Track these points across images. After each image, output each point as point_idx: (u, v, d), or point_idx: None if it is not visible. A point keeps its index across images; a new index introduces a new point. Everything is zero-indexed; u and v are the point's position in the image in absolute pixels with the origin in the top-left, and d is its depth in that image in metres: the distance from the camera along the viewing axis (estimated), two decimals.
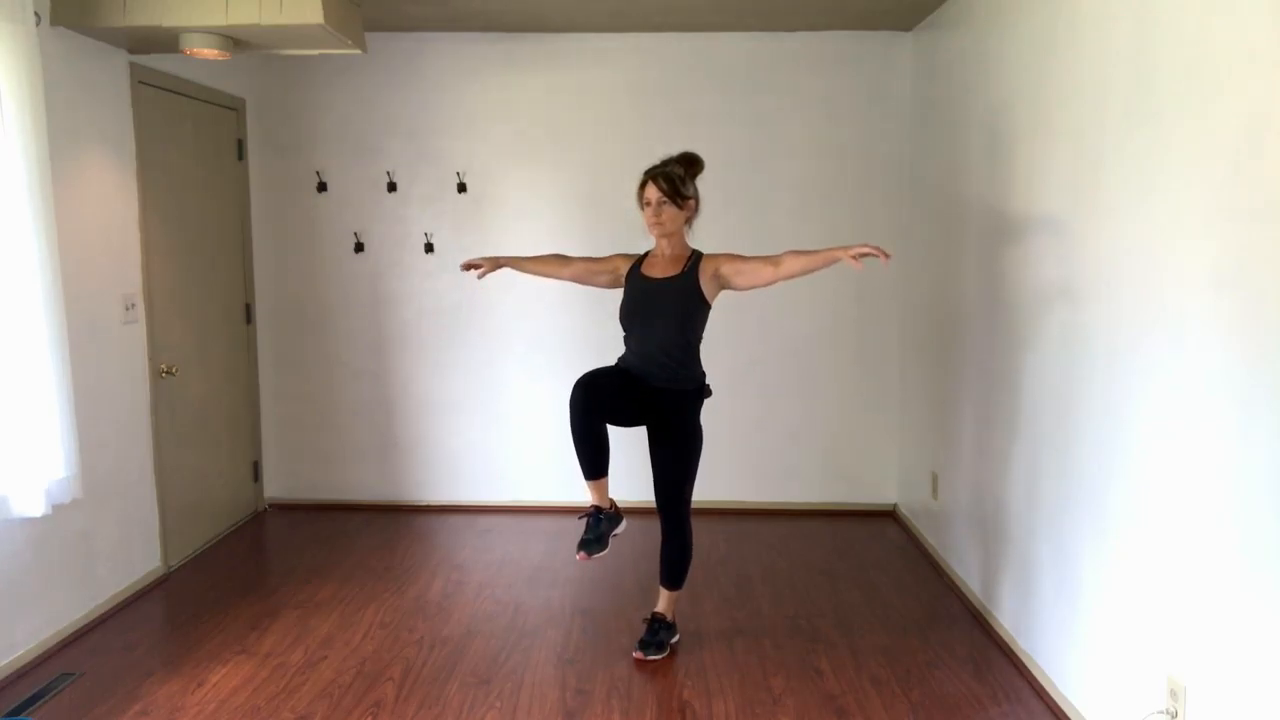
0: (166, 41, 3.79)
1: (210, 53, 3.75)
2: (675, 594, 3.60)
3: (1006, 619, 3.57)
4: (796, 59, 5.04)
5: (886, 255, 3.02)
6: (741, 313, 5.18)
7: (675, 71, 5.07)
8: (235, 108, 4.98)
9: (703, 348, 3.40)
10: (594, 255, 3.67)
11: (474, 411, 5.29)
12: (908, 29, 4.95)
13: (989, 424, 3.76)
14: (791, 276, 3.30)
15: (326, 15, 3.57)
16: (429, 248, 5.19)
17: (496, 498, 5.32)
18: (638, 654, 3.47)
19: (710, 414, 5.20)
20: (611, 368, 3.47)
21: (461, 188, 5.15)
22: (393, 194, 5.18)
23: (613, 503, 3.45)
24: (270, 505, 5.37)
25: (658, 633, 3.52)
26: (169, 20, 3.54)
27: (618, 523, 3.47)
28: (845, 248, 3.10)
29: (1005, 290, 3.59)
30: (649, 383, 3.40)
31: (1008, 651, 3.49)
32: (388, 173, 5.17)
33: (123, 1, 3.52)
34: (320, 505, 5.37)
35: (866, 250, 3.03)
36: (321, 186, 5.20)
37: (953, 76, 4.28)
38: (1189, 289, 2.35)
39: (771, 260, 3.29)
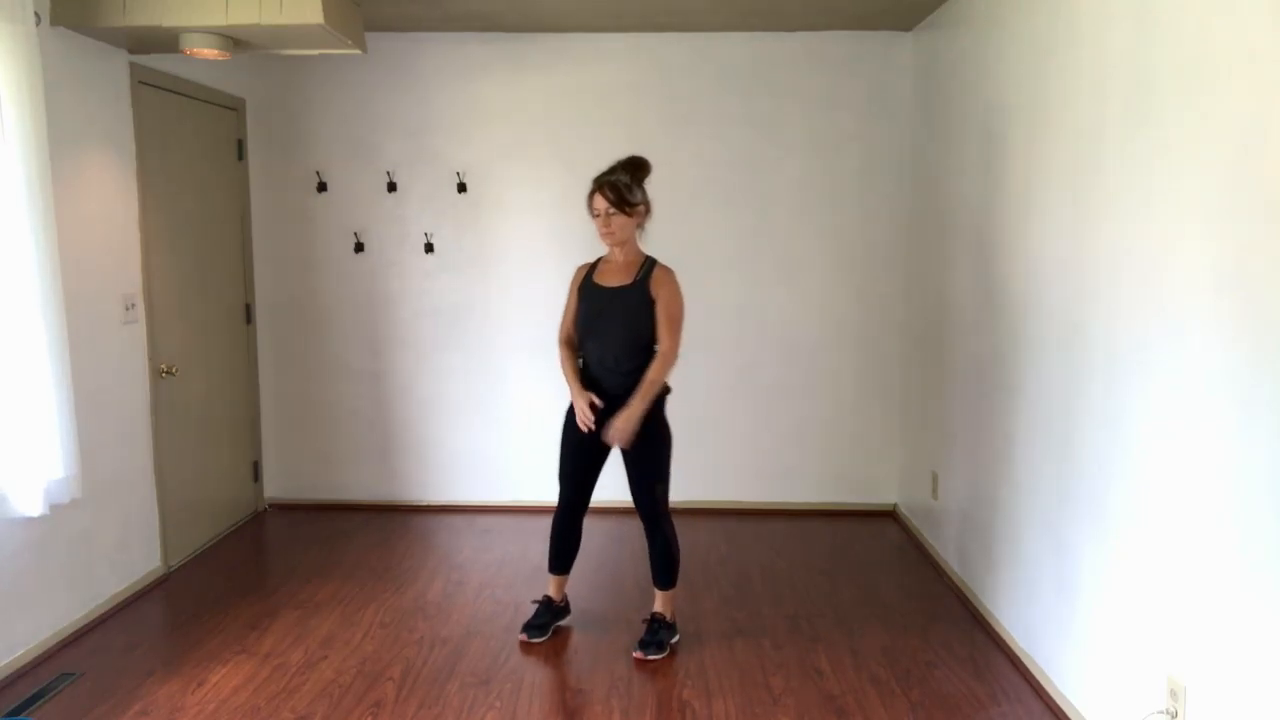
0: (166, 41, 3.79)
1: (210, 53, 3.75)
2: (670, 593, 3.61)
3: (1006, 619, 3.57)
4: (796, 59, 5.04)
5: (615, 443, 3.40)
6: (742, 313, 5.19)
7: (675, 71, 5.07)
8: (235, 108, 4.98)
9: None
10: (567, 301, 3.62)
11: (474, 412, 5.29)
12: (908, 29, 4.95)
13: (989, 424, 3.76)
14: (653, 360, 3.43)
15: (326, 15, 3.57)
16: (429, 248, 5.19)
17: (496, 498, 5.32)
18: (638, 654, 3.47)
19: (711, 414, 5.24)
20: (567, 440, 3.57)
21: (461, 188, 5.15)
22: (393, 194, 5.18)
23: (565, 597, 3.77)
24: (270, 505, 5.37)
25: (657, 632, 3.53)
26: (169, 20, 3.54)
27: (563, 616, 3.77)
28: (630, 420, 3.37)
29: (1005, 290, 3.59)
30: (608, 393, 3.45)
31: (1008, 651, 3.49)
32: (388, 173, 5.17)
33: (123, 1, 3.52)
34: (320, 505, 5.37)
35: (620, 436, 3.37)
36: (321, 186, 5.20)
37: (953, 76, 4.28)
38: (1189, 289, 2.35)
39: (666, 345, 3.40)
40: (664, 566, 3.57)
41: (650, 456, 3.50)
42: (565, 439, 3.58)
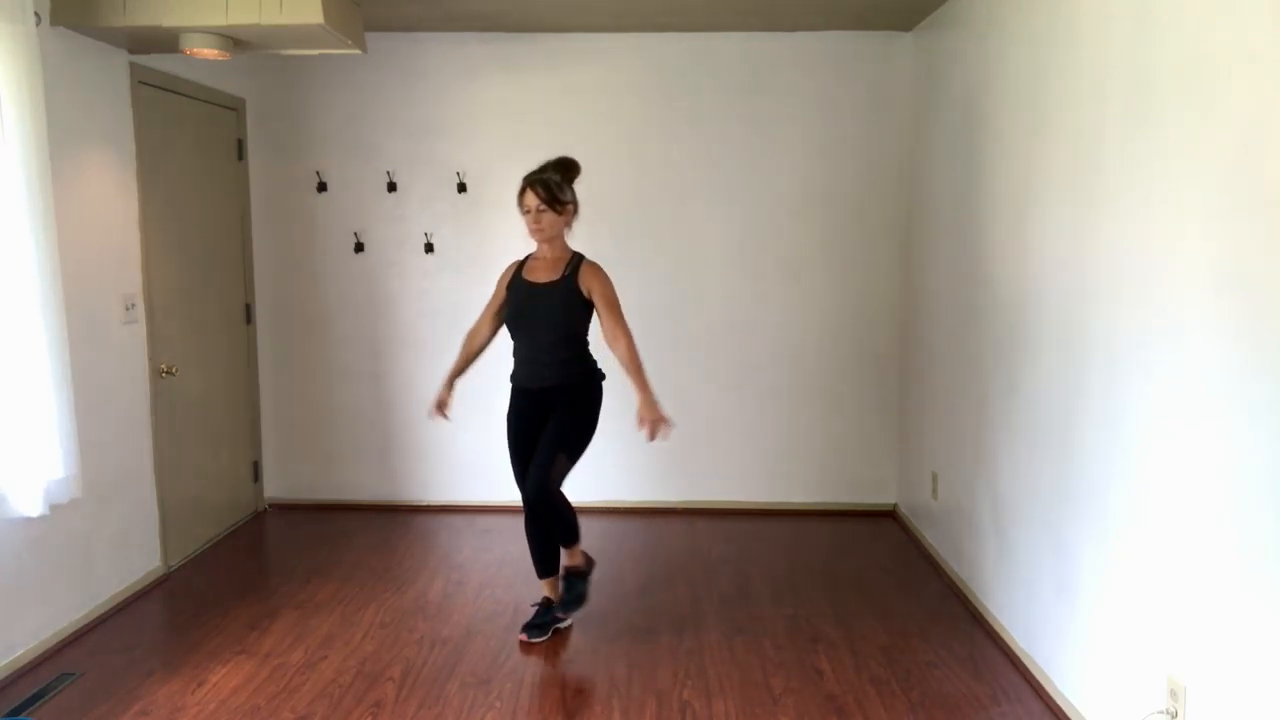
0: (166, 41, 3.79)
1: (210, 53, 3.75)
2: (575, 546, 3.68)
3: (1006, 619, 3.57)
4: (796, 59, 5.04)
5: (663, 432, 3.37)
6: (741, 313, 5.19)
7: (675, 71, 5.07)
8: (235, 108, 4.98)
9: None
10: (493, 295, 3.74)
11: (474, 411, 5.28)
12: (908, 29, 4.95)
13: (989, 424, 3.76)
14: (613, 351, 3.48)
15: (326, 15, 3.57)
16: (429, 248, 5.19)
17: (496, 498, 5.31)
18: (559, 615, 3.64)
19: (711, 414, 5.25)
20: (511, 442, 3.62)
21: (461, 188, 5.15)
22: (393, 194, 5.18)
23: (562, 585, 3.75)
24: (270, 505, 5.37)
25: (573, 586, 3.64)
26: (169, 20, 3.54)
27: (563, 620, 3.76)
28: (648, 402, 3.38)
29: (1005, 290, 3.59)
30: (541, 385, 3.53)
31: (1008, 651, 3.49)
32: (388, 173, 5.17)
33: (123, 1, 3.52)
34: (320, 505, 5.37)
35: (655, 421, 3.35)
36: (321, 186, 5.20)
37: (953, 76, 4.28)
38: (1189, 289, 2.35)
39: (614, 331, 3.46)
40: (564, 532, 3.62)
41: (572, 426, 3.51)
42: (510, 440, 3.62)
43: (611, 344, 3.48)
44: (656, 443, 5.23)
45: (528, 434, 3.56)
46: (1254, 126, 2.08)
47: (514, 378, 3.63)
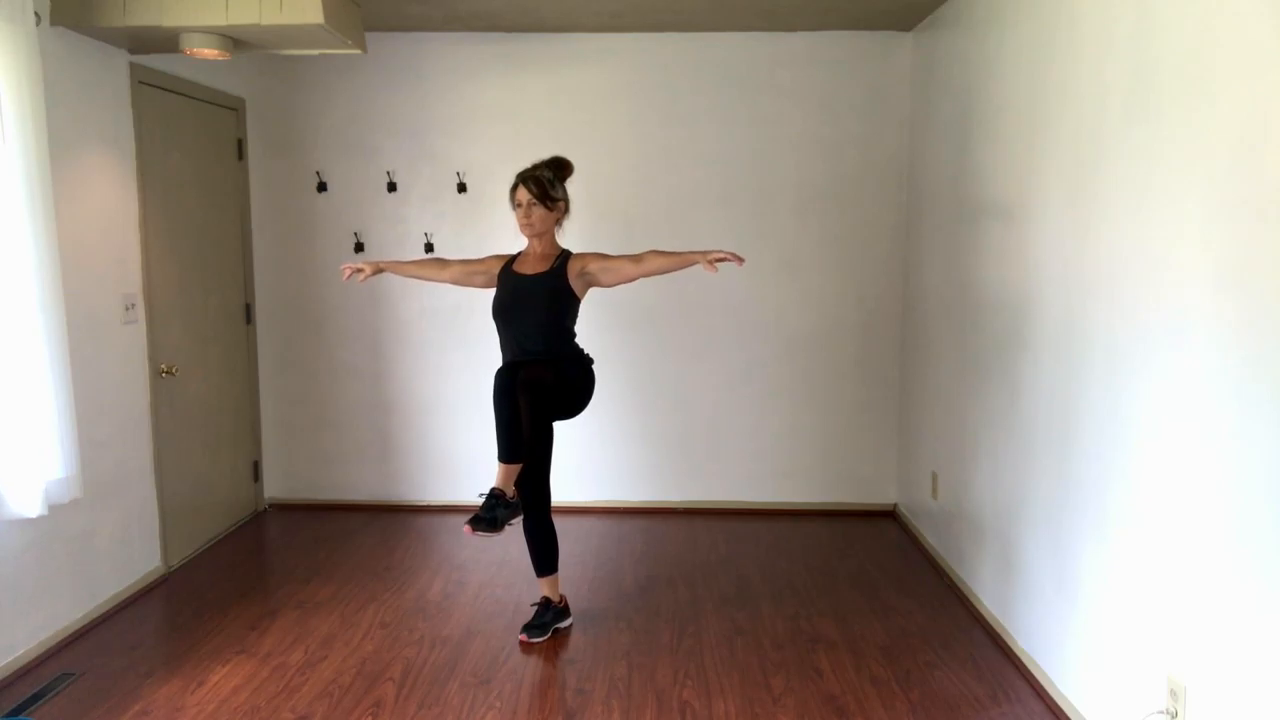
0: (166, 41, 3.79)
1: (210, 53, 3.75)
2: (515, 467, 3.47)
3: (1006, 619, 3.57)
4: (796, 59, 5.04)
5: (740, 260, 3.30)
6: (741, 313, 5.19)
7: (676, 71, 5.07)
8: (235, 108, 4.98)
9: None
10: (470, 258, 3.80)
11: (474, 411, 5.29)
12: (908, 29, 4.95)
13: (989, 423, 3.76)
14: (652, 273, 3.53)
15: (326, 15, 3.57)
16: (429, 248, 5.19)
17: None
18: (471, 525, 3.35)
19: (711, 414, 5.24)
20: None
21: (461, 188, 5.15)
22: (393, 194, 5.18)
23: (563, 598, 3.77)
24: (270, 505, 5.37)
25: (494, 507, 3.37)
26: (169, 20, 3.54)
27: (563, 618, 3.74)
28: (704, 252, 3.33)
29: (1005, 290, 3.59)
30: (528, 359, 3.51)
31: (1007, 651, 3.49)
32: (388, 173, 5.17)
33: (123, 1, 3.52)
34: (320, 505, 5.37)
35: (722, 256, 3.28)
36: (321, 186, 5.20)
37: (953, 76, 4.28)
38: (1189, 289, 2.35)
39: (635, 258, 3.51)
40: (530, 452, 3.46)
41: (562, 393, 3.49)
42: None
43: (641, 267, 3.48)
44: (656, 441, 5.27)
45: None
46: (1254, 126, 2.08)
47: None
